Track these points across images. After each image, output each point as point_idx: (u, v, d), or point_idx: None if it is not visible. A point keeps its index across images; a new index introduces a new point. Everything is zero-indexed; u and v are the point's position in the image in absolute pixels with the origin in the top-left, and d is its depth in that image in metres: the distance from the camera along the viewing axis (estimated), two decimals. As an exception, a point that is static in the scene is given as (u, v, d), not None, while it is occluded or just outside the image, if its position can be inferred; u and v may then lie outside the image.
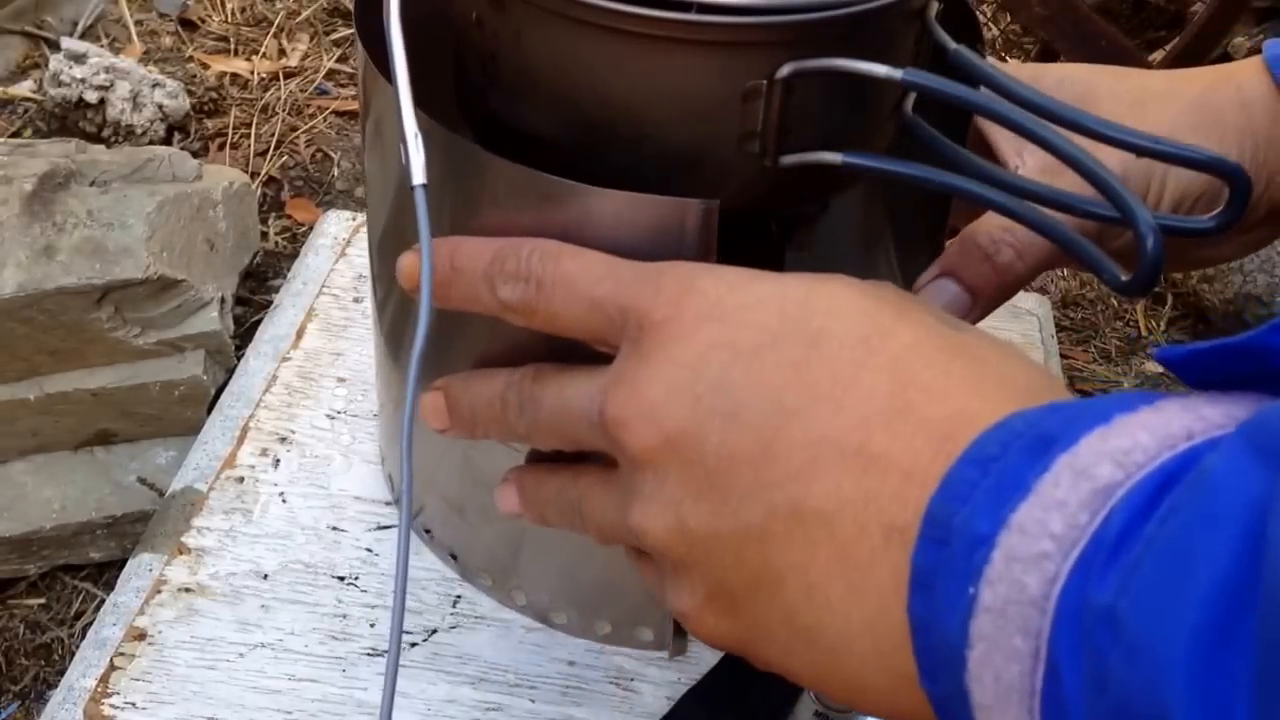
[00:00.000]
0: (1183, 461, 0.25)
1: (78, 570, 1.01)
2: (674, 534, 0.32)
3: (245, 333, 1.08)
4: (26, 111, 1.37)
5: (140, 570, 0.56)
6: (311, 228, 0.83)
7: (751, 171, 0.39)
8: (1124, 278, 0.36)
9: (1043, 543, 0.25)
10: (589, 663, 0.53)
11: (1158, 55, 1.55)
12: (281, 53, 1.52)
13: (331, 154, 1.38)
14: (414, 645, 0.53)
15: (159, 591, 0.55)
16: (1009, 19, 1.58)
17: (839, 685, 0.31)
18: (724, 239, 0.37)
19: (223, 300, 1.03)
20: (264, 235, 1.23)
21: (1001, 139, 0.46)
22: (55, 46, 1.39)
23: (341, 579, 0.56)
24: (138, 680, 0.52)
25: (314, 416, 0.63)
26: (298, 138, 1.39)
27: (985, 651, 0.26)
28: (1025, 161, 0.45)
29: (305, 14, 1.58)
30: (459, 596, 0.55)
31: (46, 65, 1.33)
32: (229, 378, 0.69)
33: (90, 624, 0.63)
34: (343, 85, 1.48)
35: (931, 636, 0.27)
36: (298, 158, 1.37)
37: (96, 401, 0.98)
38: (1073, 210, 0.38)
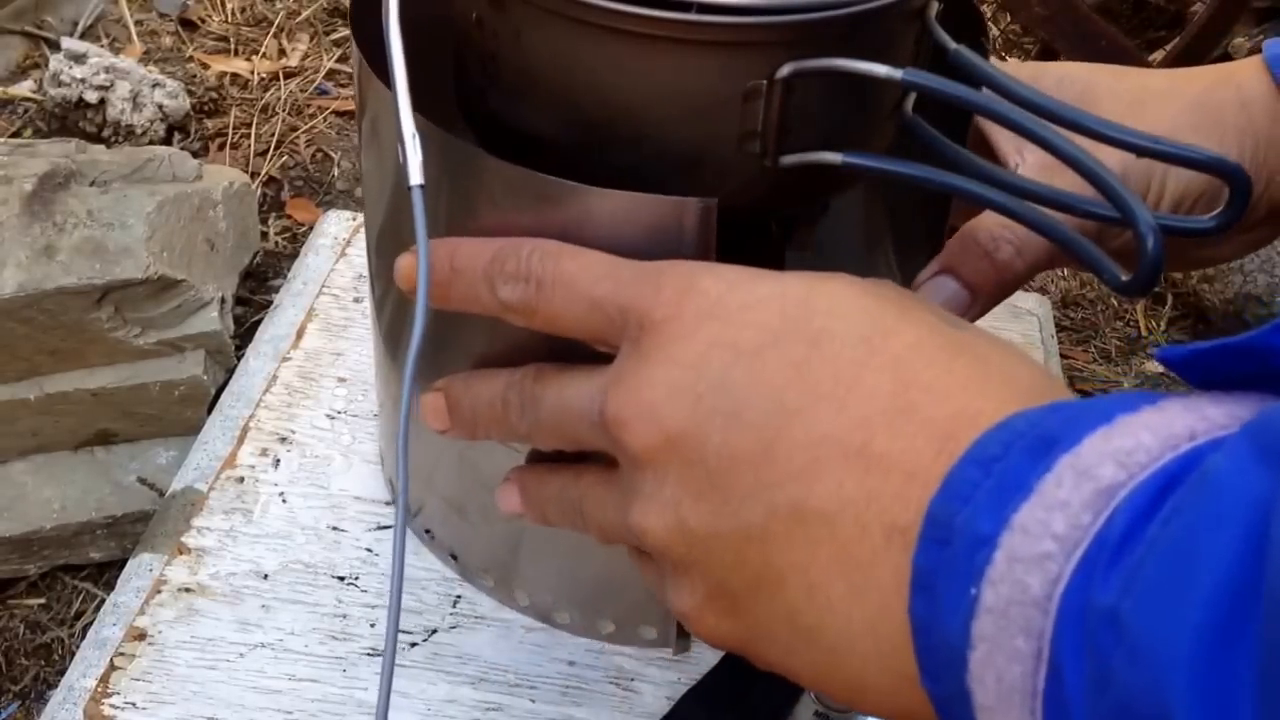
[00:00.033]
0: (1185, 462, 0.25)
1: (78, 570, 1.01)
2: (674, 534, 0.32)
3: (245, 333, 1.08)
4: (26, 111, 1.37)
5: (140, 570, 0.56)
6: (311, 228, 0.83)
7: (751, 171, 0.39)
8: (1124, 278, 0.36)
9: (1045, 543, 0.25)
10: (589, 663, 0.53)
11: (1158, 55, 1.55)
12: (281, 53, 1.52)
13: (332, 154, 1.38)
14: (414, 645, 0.53)
15: (159, 591, 0.55)
16: (1009, 19, 1.58)
17: (840, 685, 0.31)
18: (724, 239, 0.37)
19: (223, 300, 1.03)
20: (264, 235, 1.23)
21: (1001, 138, 0.46)
22: (55, 46, 1.39)
23: (341, 579, 0.56)
24: (138, 680, 0.52)
25: (314, 416, 0.63)
26: (298, 138, 1.39)
27: (987, 652, 0.26)
28: (1025, 160, 0.45)
29: (305, 14, 1.58)
30: (459, 596, 0.55)
31: (46, 65, 1.33)
32: (229, 378, 0.69)
33: (90, 624, 0.63)
34: (343, 85, 1.48)
35: (933, 637, 0.27)
36: (298, 158, 1.37)
37: (96, 401, 0.98)
38: (1072, 210, 0.38)
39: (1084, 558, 0.25)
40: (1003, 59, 1.42)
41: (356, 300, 0.70)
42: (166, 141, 1.33)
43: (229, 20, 1.56)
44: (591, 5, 0.36)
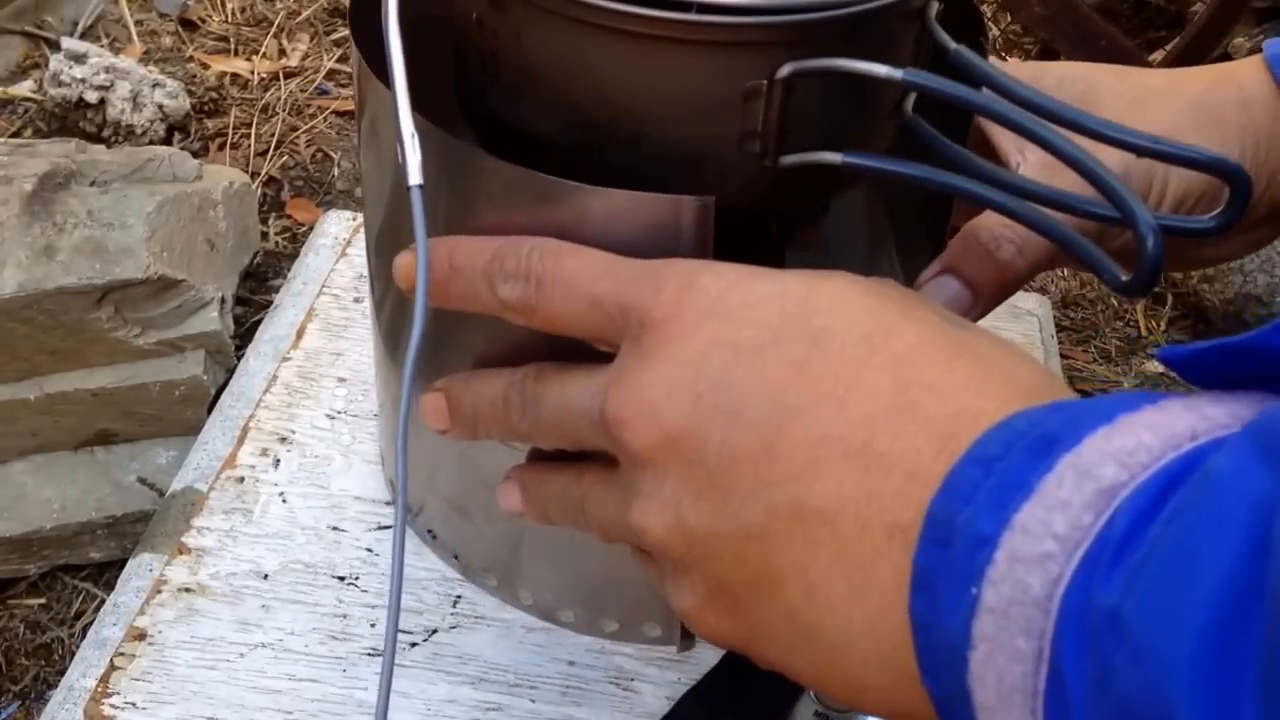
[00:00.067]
0: (1187, 462, 0.25)
1: (78, 570, 1.01)
2: (674, 533, 0.32)
3: (245, 333, 1.08)
4: (26, 111, 1.37)
5: (140, 570, 0.56)
6: (312, 228, 0.83)
7: (752, 171, 0.39)
8: (1124, 278, 0.36)
9: (1046, 543, 0.25)
10: (589, 663, 0.53)
11: (1158, 55, 1.55)
12: (282, 53, 1.52)
13: (332, 154, 1.38)
14: (414, 645, 0.53)
15: (159, 591, 0.55)
16: (1009, 19, 1.58)
17: (840, 684, 0.31)
18: (724, 239, 0.37)
19: (223, 300, 1.03)
20: (264, 235, 1.23)
21: (1003, 138, 0.46)
22: (55, 46, 1.39)
23: (342, 579, 0.56)
24: (138, 680, 0.52)
25: (314, 416, 0.63)
26: (298, 138, 1.39)
27: (988, 652, 0.26)
28: (1027, 160, 0.45)
29: (305, 14, 1.58)
30: (459, 596, 0.55)
31: (46, 65, 1.33)
32: (229, 378, 0.69)
33: (90, 624, 0.63)
34: (343, 85, 1.48)
35: (933, 636, 0.27)
36: (298, 158, 1.37)
37: (97, 401, 0.98)
38: (1073, 210, 0.38)
39: (1085, 558, 0.25)
40: (1003, 59, 1.42)
41: (356, 300, 0.70)
42: (166, 141, 1.33)
43: (229, 20, 1.56)
44: (591, 5, 0.36)
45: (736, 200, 0.38)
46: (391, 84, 0.37)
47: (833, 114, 0.39)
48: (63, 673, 0.59)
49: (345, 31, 1.55)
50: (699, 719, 0.51)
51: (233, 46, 1.52)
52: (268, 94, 1.44)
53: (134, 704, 0.51)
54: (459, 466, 0.51)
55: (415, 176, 0.36)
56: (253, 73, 1.47)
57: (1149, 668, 0.22)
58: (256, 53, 1.51)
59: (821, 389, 0.31)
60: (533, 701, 0.52)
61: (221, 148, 1.37)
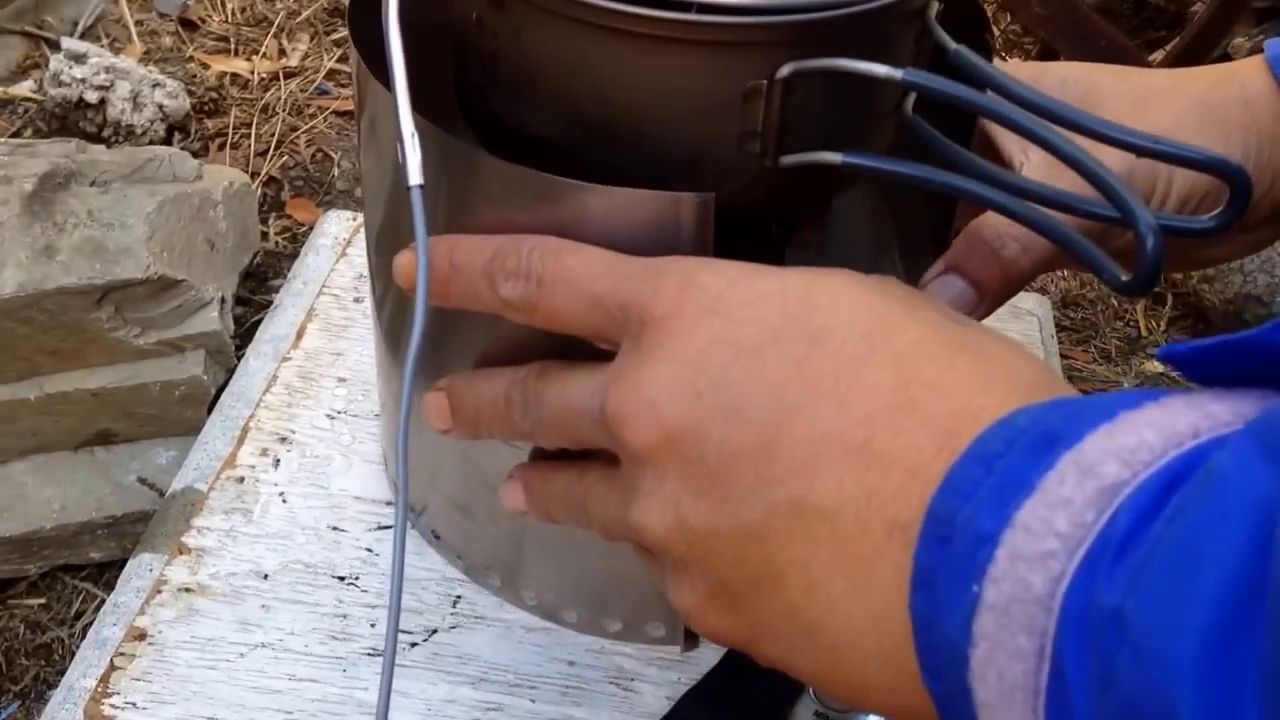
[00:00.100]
0: (1190, 460, 0.25)
1: (78, 570, 1.01)
2: (674, 531, 0.32)
3: (245, 333, 1.08)
4: (27, 111, 1.37)
5: (140, 570, 0.56)
6: (312, 228, 0.83)
7: (752, 171, 0.39)
8: (1124, 278, 0.36)
9: (1048, 541, 0.25)
10: (589, 663, 0.53)
11: (1158, 55, 1.55)
12: (282, 53, 1.52)
13: (332, 154, 1.38)
14: (414, 645, 0.53)
15: (159, 591, 0.55)
16: (1009, 19, 1.58)
17: (841, 683, 0.31)
18: (724, 239, 0.37)
19: (223, 300, 1.03)
20: (264, 235, 1.23)
21: (1006, 138, 0.46)
22: (55, 46, 1.39)
23: (342, 579, 0.56)
24: (138, 680, 0.52)
25: (314, 416, 0.63)
26: (298, 138, 1.39)
27: (989, 650, 0.26)
28: (1030, 160, 0.45)
29: (305, 14, 1.58)
30: (459, 597, 0.55)
31: (47, 65, 1.33)
32: (229, 378, 0.69)
33: (90, 624, 0.63)
34: (343, 85, 1.48)
35: (934, 634, 0.27)
36: (298, 158, 1.37)
37: (97, 401, 0.98)
38: (1073, 210, 0.38)
39: (1087, 556, 0.25)
40: (1003, 59, 1.42)
41: (356, 300, 0.70)
42: (167, 141, 1.33)
43: (229, 20, 1.56)
44: (591, 5, 0.36)
45: (736, 200, 0.38)
46: (391, 84, 0.37)
47: (833, 114, 0.39)
48: (63, 673, 0.59)
49: (345, 31, 1.55)
50: (699, 719, 0.51)
51: (233, 46, 1.52)
52: (268, 94, 1.44)
53: (134, 704, 0.51)
54: (461, 466, 0.51)
55: (415, 176, 0.36)
56: (253, 73, 1.47)
57: (1151, 667, 0.22)
58: (256, 53, 1.51)
59: (822, 387, 0.31)
60: (533, 701, 0.52)
61: (221, 148, 1.37)
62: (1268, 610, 0.21)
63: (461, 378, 0.41)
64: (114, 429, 1.00)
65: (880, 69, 0.36)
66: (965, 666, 0.26)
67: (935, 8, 0.39)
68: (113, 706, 0.51)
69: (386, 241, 0.48)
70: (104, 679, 0.52)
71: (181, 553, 0.56)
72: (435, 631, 0.54)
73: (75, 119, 1.29)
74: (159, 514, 0.60)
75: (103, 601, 0.95)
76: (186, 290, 0.98)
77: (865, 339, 0.31)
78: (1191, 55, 1.42)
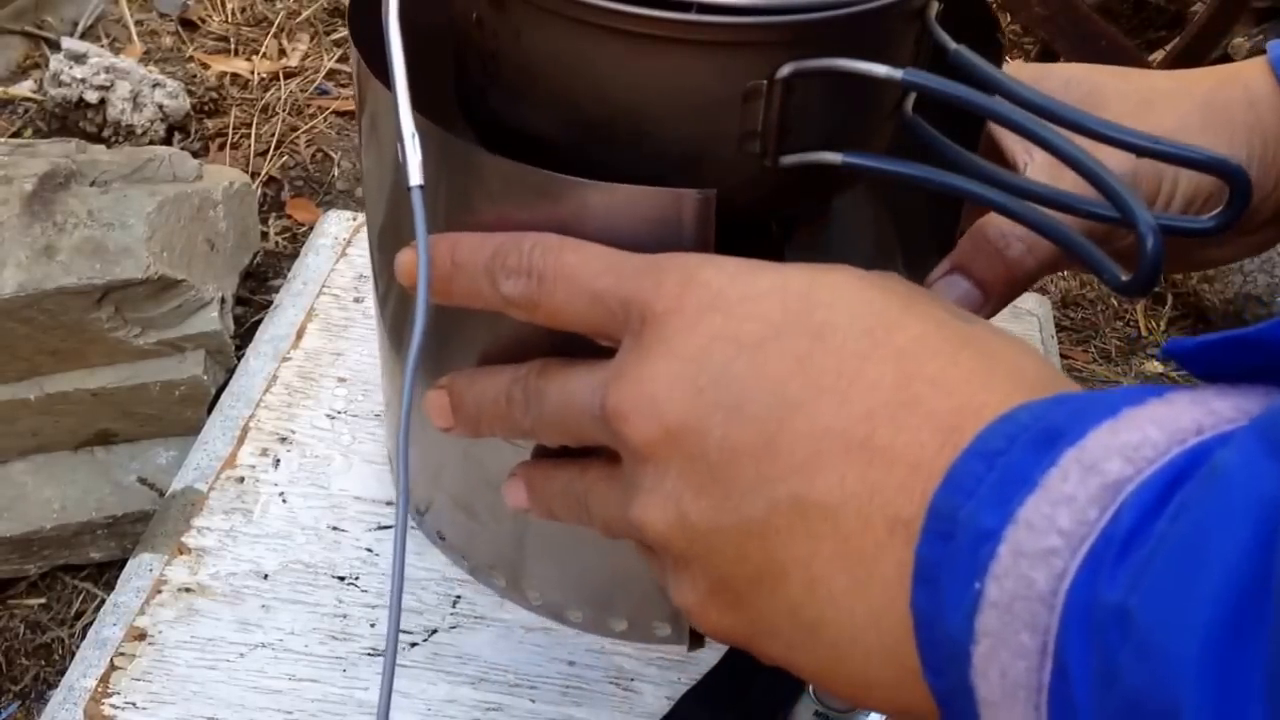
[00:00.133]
0: (1193, 457, 0.25)
1: (78, 570, 1.01)
2: (674, 528, 0.32)
3: (245, 333, 1.08)
4: (27, 111, 1.38)
5: (140, 570, 0.56)
6: (312, 228, 0.83)
7: (752, 171, 0.39)
8: (1124, 278, 0.36)
9: (1050, 538, 0.25)
10: (589, 663, 0.53)
11: (1158, 55, 1.55)
12: (282, 53, 1.52)
13: (332, 154, 1.38)
14: (414, 645, 0.53)
15: (159, 591, 0.55)
16: (1009, 19, 1.58)
17: (844, 680, 0.31)
18: (724, 239, 0.37)
19: (223, 300, 1.03)
20: (264, 235, 1.23)
21: (1009, 139, 0.46)
22: (55, 46, 1.39)
23: (342, 579, 0.56)
24: (138, 680, 0.52)
25: (314, 416, 0.63)
26: (298, 138, 1.39)
27: (991, 647, 0.26)
28: (1034, 160, 0.45)
29: (305, 14, 1.58)
30: (459, 597, 0.55)
31: (47, 65, 1.33)
32: (229, 378, 0.69)
33: (90, 624, 0.63)
34: (343, 85, 1.48)
35: (935, 631, 0.27)
36: (298, 158, 1.37)
37: (97, 401, 0.98)
38: (1073, 210, 0.38)
39: (1090, 553, 0.24)
40: (1006, 60, 1.42)
41: (357, 300, 0.70)
42: (167, 141, 1.33)
43: (229, 20, 1.56)
44: (591, 5, 0.36)
45: (736, 200, 0.38)
46: (392, 85, 0.37)
47: (833, 114, 0.39)
48: (63, 672, 0.59)
49: (345, 31, 1.55)
50: (699, 719, 0.51)
51: (233, 46, 1.52)
52: (268, 94, 1.44)
53: (134, 704, 0.51)
54: (464, 465, 0.51)
55: (416, 177, 0.36)
56: (253, 73, 1.47)
57: (1155, 665, 0.22)
58: (256, 53, 1.51)
59: (823, 383, 0.31)
60: (533, 701, 0.52)
61: (221, 148, 1.37)
62: (1272, 608, 0.21)
63: (463, 375, 0.41)
64: (114, 429, 1.00)
65: (880, 69, 0.36)
66: (967, 663, 0.26)
67: (935, 8, 0.39)
68: (113, 706, 0.51)
69: (388, 240, 0.48)
70: (104, 679, 0.52)
71: (181, 553, 0.56)
72: (435, 631, 0.54)
73: (75, 119, 1.29)
74: (159, 514, 0.60)
75: (103, 601, 0.96)
76: (186, 290, 0.98)
77: (867, 335, 0.31)
78: (1191, 55, 1.42)
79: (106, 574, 1.01)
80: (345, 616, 0.54)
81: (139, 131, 1.29)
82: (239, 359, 0.71)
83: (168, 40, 1.52)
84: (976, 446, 0.28)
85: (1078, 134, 0.35)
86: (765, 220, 0.48)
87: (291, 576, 0.56)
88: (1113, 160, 0.36)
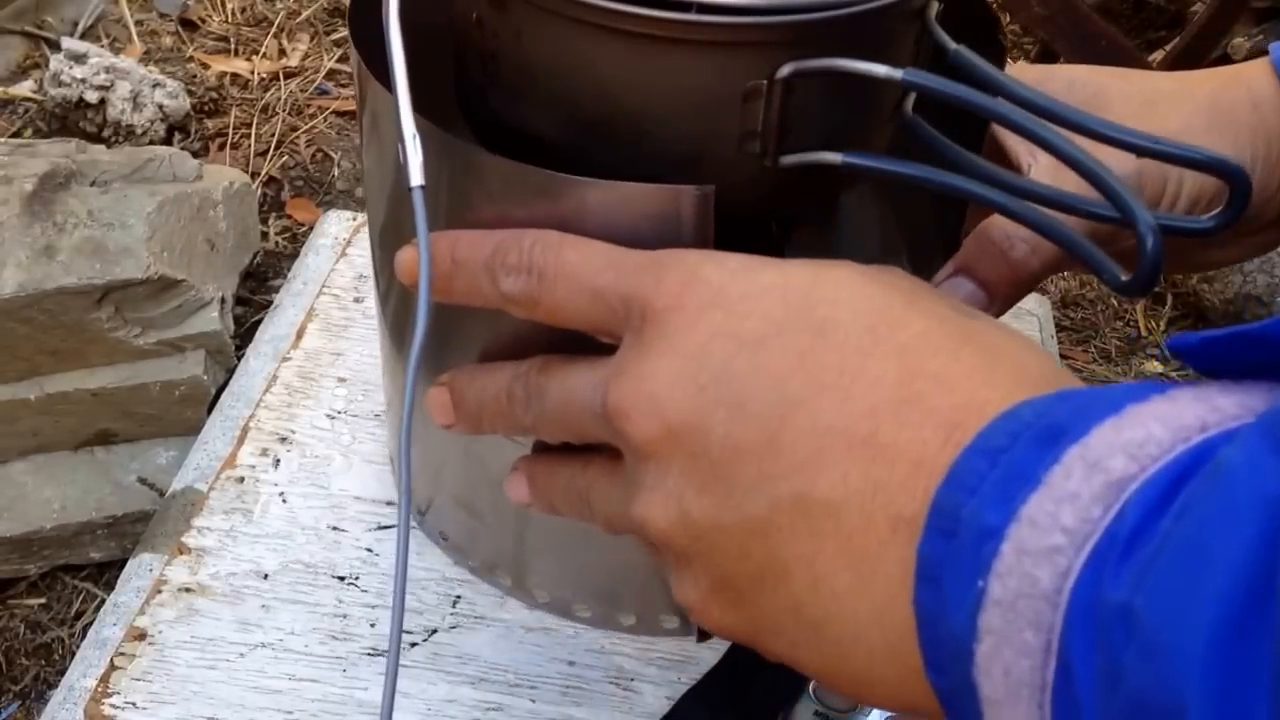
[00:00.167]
0: (1197, 454, 0.25)
1: (78, 570, 1.01)
2: (677, 526, 0.32)
3: (245, 333, 1.08)
4: (27, 111, 1.38)
5: (140, 570, 0.56)
6: (312, 228, 0.83)
7: (752, 171, 0.39)
8: (1124, 278, 0.36)
9: (1054, 536, 0.25)
10: (589, 663, 0.53)
11: (1158, 55, 1.55)
12: (282, 53, 1.52)
13: (332, 154, 1.38)
14: (414, 645, 0.53)
15: (159, 591, 0.55)
16: (1008, 19, 1.58)
17: (847, 678, 0.31)
18: (724, 239, 0.37)
19: (223, 300, 1.03)
20: (264, 235, 1.23)
21: (1013, 140, 0.46)
22: (55, 46, 1.39)
23: (342, 579, 0.56)
24: (138, 680, 0.52)
25: (314, 416, 0.63)
26: (298, 138, 1.39)
27: (994, 645, 0.26)
28: (1038, 160, 0.45)
29: (305, 14, 1.58)
30: (459, 597, 0.55)
31: (47, 65, 1.33)
32: (229, 378, 0.69)
33: (90, 624, 0.63)
34: (343, 85, 1.48)
35: (938, 629, 0.27)
36: (298, 158, 1.37)
37: (97, 401, 0.98)
38: (1074, 210, 0.38)
39: (1094, 552, 0.24)
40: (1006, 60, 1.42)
41: (357, 300, 0.70)
42: (167, 141, 1.33)
43: (229, 20, 1.56)
44: (591, 5, 0.36)
45: (736, 200, 0.38)
46: (393, 86, 0.37)
47: (833, 114, 0.39)
48: (63, 672, 0.59)
49: (345, 32, 1.55)
50: (699, 718, 0.51)
51: (233, 46, 1.52)
52: (268, 94, 1.44)
53: (134, 704, 0.51)
54: (466, 463, 0.51)
55: (417, 178, 0.36)
56: (253, 73, 1.47)
57: (1160, 664, 0.22)
58: (256, 53, 1.51)
59: (825, 380, 0.31)
60: (533, 701, 0.52)
61: (221, 148, 1.37)
62: (1277, 606, 0.21)
63: (464, 372, 0.41)
64: (114, 429, 1.00)
65: (880, 69, 0.36)
66: (970, 661, 0.26)
67: (935, 8, 0.40)
68: (113, 706, 0.51)
69: (389, 238, 0.48)
70: (104, 679, 0.52)
71: (181, 553, 0.56)
72: (435, 631, 0.54)
73: (75, 119, 1.29)
74: (159, 514, 0.60)
75: (103, 601, 0.96)
76: (186, 290, 0.98)
77: (869, 331, 0.31)
78: (1191, 55, 1.42)
79: (106, 574, 1.01)
80: (345, 616, 0.54)
81: (139, 131, 1.29)
82: (239, 359, 0.72)
83: (168, 40, 1.52)
84: (979, 443, 0.28)
85: (1078, 134, 0.35)
86: (765, 220, 0.48)
87: (291, 576, 0.56)
88: (1116, 161, 0.36)
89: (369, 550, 0.57)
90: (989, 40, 0.45)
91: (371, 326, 0.68)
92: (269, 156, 1.35)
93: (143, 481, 1.00)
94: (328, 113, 1.43)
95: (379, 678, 0.52)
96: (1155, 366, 1.25)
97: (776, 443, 0.30)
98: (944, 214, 0.49)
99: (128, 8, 1.54)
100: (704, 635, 0.48)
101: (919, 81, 0.36)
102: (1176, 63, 1.44)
